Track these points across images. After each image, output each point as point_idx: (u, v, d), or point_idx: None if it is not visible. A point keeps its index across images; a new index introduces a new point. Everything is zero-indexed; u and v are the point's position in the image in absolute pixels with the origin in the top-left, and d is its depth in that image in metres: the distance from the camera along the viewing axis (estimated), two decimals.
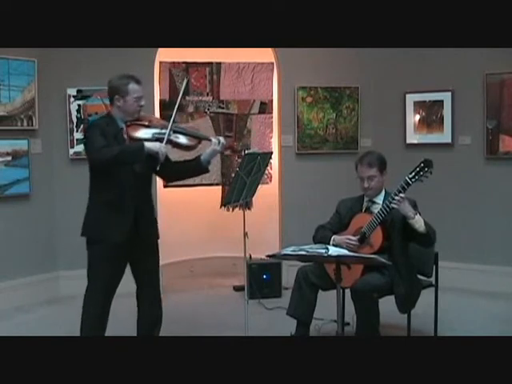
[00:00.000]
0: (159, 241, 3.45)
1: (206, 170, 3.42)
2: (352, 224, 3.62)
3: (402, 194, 3.33)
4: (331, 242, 3.53)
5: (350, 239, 3.50)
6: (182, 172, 3.50)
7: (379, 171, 3.57)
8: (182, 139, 3.27)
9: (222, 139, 3.30)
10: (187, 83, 3.24)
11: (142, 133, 3.19)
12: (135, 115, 3.22)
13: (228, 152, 3.42)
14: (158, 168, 3.10)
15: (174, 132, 3.24)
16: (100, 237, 3.17)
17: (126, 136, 3.18)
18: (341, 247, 3.31)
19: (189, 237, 5.68)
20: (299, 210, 5.34)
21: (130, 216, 3.17)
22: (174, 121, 3.23)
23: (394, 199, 3.33)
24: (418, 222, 3.38)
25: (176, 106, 3.32)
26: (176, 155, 3.60)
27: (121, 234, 3.14)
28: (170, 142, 3.21)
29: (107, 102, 4.91)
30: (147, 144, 3.07)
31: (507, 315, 4.41)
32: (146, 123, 3.23)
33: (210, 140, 3.31)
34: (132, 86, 3.18)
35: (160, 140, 3.15)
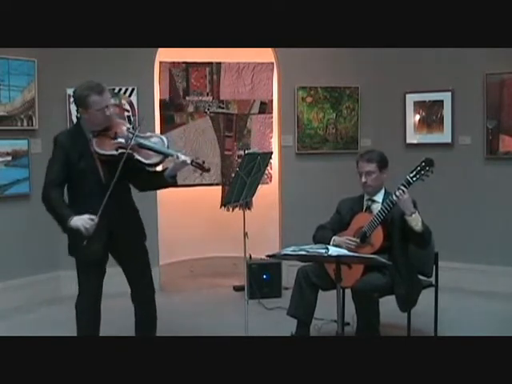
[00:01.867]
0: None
1: (172, 184, 3.26)
2: (352, 224, 3.62)
3: (405, 189, 3.35)
4: (331, 243, 3.53)
5: (350, 240, 3.51)
6: (149, 184, 3.39)
7: (378, 168, 3.58)
8: (145, 155, 3.12)
9: (182, 157, 3.10)
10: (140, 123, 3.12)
11: (106, 146, 3.10)
12: (103, 125, 3.13)
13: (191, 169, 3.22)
14: (84, 243, 2.98)
15: (138, 146, 3.11)
16: (76, 255, 3.22)
17: (92, 149, 3.10)
18: (341, 248, 3.31)
19: (189, 237, 5.68)
20: (299, 209, 5.33)
21: (101, 235, 3.09)
22: (133, 137, 3.10)
23: (398, 190, 3.36)
24: (415, 221, 3.39)
25: (137, 128, 3.17)
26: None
27: (92, 252, 3.10)
28: (131, 157, 3.09)
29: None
30: (72, 221, 2.96)
31: (507, 315, 4.41)
32: (112, 135, 3.13)
33: (172, 156, 3.15)
34: (92, 99, 3.03)
35: (121, 155, 3.04)
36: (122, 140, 3.12)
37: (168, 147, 3.22)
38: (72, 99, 3.20)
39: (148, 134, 3.28)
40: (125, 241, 3.24)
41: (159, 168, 3.36)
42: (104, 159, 3.11)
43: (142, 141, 3.14)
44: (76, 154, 3.10)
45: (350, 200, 3.79)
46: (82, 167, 3.11)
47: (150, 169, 3.28)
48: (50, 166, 3.15)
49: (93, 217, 2.98)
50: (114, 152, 3.09)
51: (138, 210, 3.38)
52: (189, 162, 3.11)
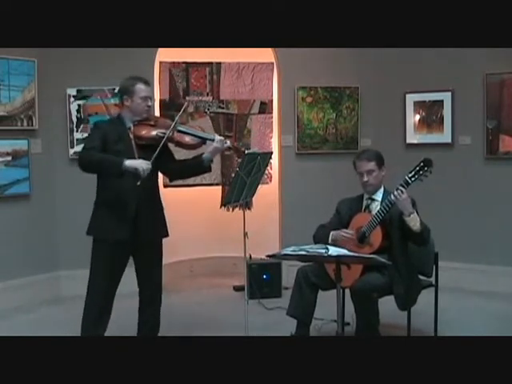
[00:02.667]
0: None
1: (208, 169, 3.45)
2: (352, 224, 3.63)
3: (403, 189, 3.36)
4: (330, 238, 3.57)
5: (345, 232, 3.54)
6: (184, 171, 3.55)
7: (377, 166, 3.60)
8: (185, 138, 3.34)
9: (221, 137, 3.36)
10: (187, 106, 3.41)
11: (147, 131, 3.29)
12: (143, 115, 3.32)
13: (229, 152, 3.43)
14: (138, 183, 3.10)
15: (178, 131, 3.32)
16: (100, 236, 3.26)
17: (131, 135, 3.27)
18: (340, 246, 3.31)
19: (189, 237, 5.67)
20: (299, 209, 5.34)
21: (129, 215, 3.21)
22: (176, 122, 3.31)
23: (396, 191, 3.36)
24: (413, 221, 3.39)
25: (179, 114, 3.38)
26: (181, 154, 3.64)
27: (119, 233, 3.19)
28: (171, 140, 3.30)
29: (107, 101, 4.95)
30: (128, 161, 3.11)
31: (507, 315, 4.41)
32: (152, 123, 3.33)
33: (212, 140, 3.36)
34: (139, 87, 3.28)
35: (161, 138, 3.21)
36: (162, 128, 3.29)
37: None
38: (118, 89, 3.41)
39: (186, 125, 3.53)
40: (146, 233, 3.29)
41: (195, 153, 3.49)
42: (143, 143, 3.27)
43: (181, 127, 3.35)
44: (114, 137, 3.24)
45: (349, 200, 3.79)
46: (118, 149, 3.22)
47: (191, 150, 3.44)
48: (89, 140, 3.30)
49: (148, 162, 3.12)
50: (154, 136, 3.26)
51: (163, 207, 3.48)
52: (228, 142, 3.37)
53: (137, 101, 3.27)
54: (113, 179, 3.20)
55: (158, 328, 3.47)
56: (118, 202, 3.20)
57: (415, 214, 3.41)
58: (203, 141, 3.38)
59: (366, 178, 3.60)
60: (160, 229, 3.43)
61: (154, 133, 3.27)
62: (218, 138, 3.35)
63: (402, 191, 3.36)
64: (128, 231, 3.20)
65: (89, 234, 3.30)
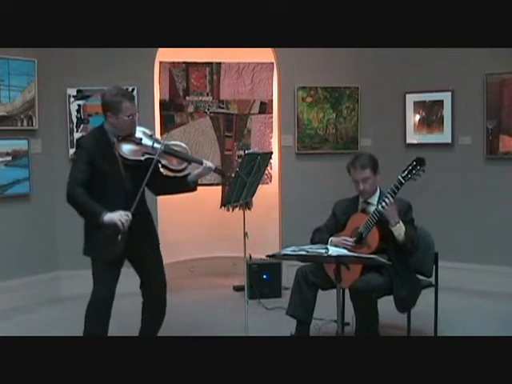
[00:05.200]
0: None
1: (193, 189, 3.43)
2: (349, 225, 3.62)
3: (391, 199, 3.36)
4: (329, 244, 3.53)
5: (346, 240, 3.51)
6: (169, 188, 3.49)
7: (372, 172, 3.57)
8: (172, 161, 3.26)
9: (209, 163, 3.31)
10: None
11: (132, 151, 3.19)
12: (127, 131, 3.22)
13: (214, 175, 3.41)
14: (119, 238, 2.98)
15: (165, 153, 3.23)
16: (95, 255, 3.23)
17: (117, 153, 3.16)
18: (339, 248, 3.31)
19: (189, 237, 5.68)
20: (299, 210, 5.33)
21: (121, 232, 3.09)
22: (163, 144, 3.24)
23: (383, 201, 3.37)
24: (398, 231, 3.40)
25: (167, 134, 3.30)
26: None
27: (113, 252, 3.11)
28: (158, 162, 3.22)
29: None
30: (107, 216, 2.99)
31: (507, 315, 4.41)
32: (137, 140, 3.23)
33: (201, 163, 3.31)
34: (125, 105, 3.15)
35: (150, 160, 3.14)
36: (149, 145, 3.22)
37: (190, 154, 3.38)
38: (101, 103, 3.23)
39: (172, 142, 3.41)
40: (143, 243, 3.28)
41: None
42: (129, 163, 3.18)
43: (168, 148, 3.26)
44: (100, 156, 3.15)
45: (345, 201, 3.77)
46: (106, 171, 3.15)
47: (177, 174, 3.37)
48: (74, 165, 3.17)
49: (128, 212, 3.01)
50: (141, 157, 3.19)
51: (150, 213, 3.45)
52: (213, 168, 3.35)
53: (122, 119, 3.16)
54: (101, 199, 3.10)
55: (162, 320, 3.46)
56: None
57: (400, 223, 3.41)
58: (189, 163, 3.32)
59: (361, 187, 3.56)
60: (154, 237, 3.45)
61: (140, 153, 3.19)
62: (207, 164, 3.31)
63: (389, 200, 3.36)
64: (122, 250, 3.10)
65: (86, 255, 3.26)
